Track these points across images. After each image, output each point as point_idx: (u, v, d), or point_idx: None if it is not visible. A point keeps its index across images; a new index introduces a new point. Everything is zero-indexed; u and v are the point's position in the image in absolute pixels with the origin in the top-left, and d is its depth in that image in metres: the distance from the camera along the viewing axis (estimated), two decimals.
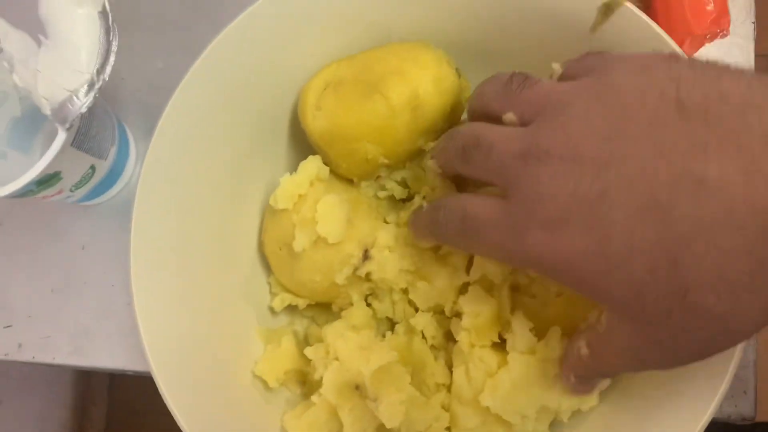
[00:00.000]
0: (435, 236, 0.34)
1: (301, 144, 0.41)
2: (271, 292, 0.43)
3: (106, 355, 0.47)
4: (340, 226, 0.37)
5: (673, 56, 0.26)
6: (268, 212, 0.40)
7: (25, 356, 0.48)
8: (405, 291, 0.39)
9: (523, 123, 0.28)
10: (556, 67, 0.31)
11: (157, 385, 0.35)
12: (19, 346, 0.48)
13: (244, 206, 0.42)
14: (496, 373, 0.34)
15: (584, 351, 0.30)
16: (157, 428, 1.23)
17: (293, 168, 0.39)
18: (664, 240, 0.23)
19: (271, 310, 0.43)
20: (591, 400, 0.35)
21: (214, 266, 0.40)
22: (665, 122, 0.24)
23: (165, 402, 0.35)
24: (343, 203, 0.38)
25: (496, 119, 0.30)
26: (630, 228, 0.24)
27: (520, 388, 0.33)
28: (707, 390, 0.32)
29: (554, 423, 0.36)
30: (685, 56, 0.28)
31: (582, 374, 0.31)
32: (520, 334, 0.34)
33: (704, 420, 0.31)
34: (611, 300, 0.26)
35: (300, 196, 0.38)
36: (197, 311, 0.39)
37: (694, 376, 0.32)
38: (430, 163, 0.36)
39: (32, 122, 0.47)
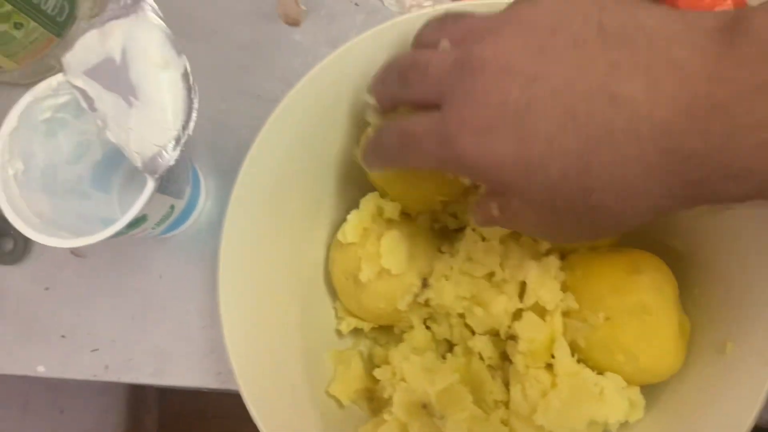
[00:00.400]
0: (381, 159, 0.36)
1: (364, 184, 0.45)
2: (337, 316, 0.47)
3: (184, 376, 0.52)
4: (402, 259, 0.41)
5: None
6: (336, 245, 0.44)
7: (111, 377, 0.52)
8: (461, 315, 0.42)
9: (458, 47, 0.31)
10: None
11: (245, 402, 0.39)
12: (106, 367, 0.52)
13: (312, 241, 0.46)
14: (549, 392, 0.37)
15: (495, 212, 0.32)
16: (209, 430, 1.28)
17: (355, 205, 0.43)
18: (579, 148, 0.26)
19: (338, 332, 0.47)
20: (638, 413, 0.39)
21: (288, 295, 0.44)
22: (587, 43, 0.27)
23: (253, 419, 0.39)
24: (404, 237, 0.41)
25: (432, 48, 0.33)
26: (551, 136, 0.27)
27: (569, 406, 0.37)
28: (748, 398, 0.35)
29: None
30: None
31: (488, 222, 0.34)
32: (560, 359, 0.37)
33: (747, 427, 0.34)
34: (528, 195, 0.29)
35: (365, 229, 0.42)
36: (274, 335, 0.43)
37: (737, 384, 0.36)
38: (366, 97, 0.37)
39: (110, 163, 0.51)
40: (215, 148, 0.53)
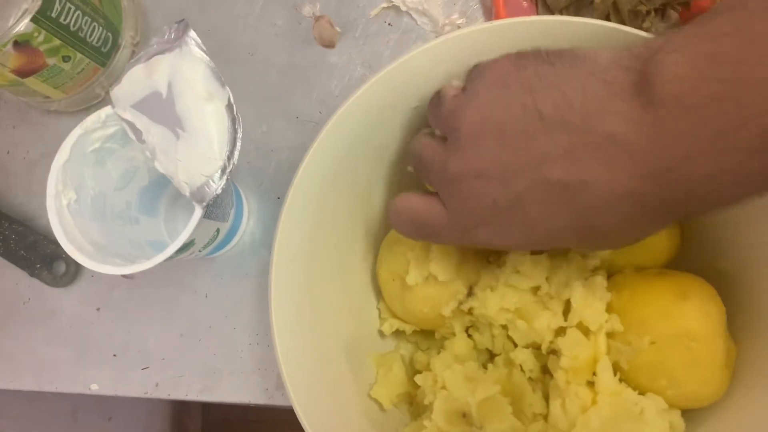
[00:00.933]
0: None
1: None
2: (380, 317, 0.48)
3: (231, 392, 0.53)
4: (450, 265, 0.42)
5: (520, 57, 0.32)
6: (386, 246, 0.46)
7: (162, 394, 0.54)
8: (504, 327, 0.43)
9: (445, 137, 0.35)
10: (456, 84, 0.38)
11: (298, 415, 0.40)
12: (156, 385, 0.54)
13: (358, 245, 0.48)
14: (589, 409, 0.38)
15: None
16: None
17: None
18: (571, 220, 0.31)
19: (381, 333, 0.48)
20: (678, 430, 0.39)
21: (336, 302, 0.46)
22: (535, 134, 0.30)
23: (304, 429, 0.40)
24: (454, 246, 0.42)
25: None
26: (545, 217, 0.31)
27: (608, 424, 0.37)
28: None
29: None
30: (530, 53, 0.33)
31: None
32: (602, 377, 0.38)
33: None
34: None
35: None
36: (322, 342, 0.44)
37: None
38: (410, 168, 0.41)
39: (156, 187, 0.53)
40: (256, 169, 0.55)
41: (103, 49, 0.53)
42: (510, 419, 0.40)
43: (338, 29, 0.54)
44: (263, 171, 0.55)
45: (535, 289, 0.42)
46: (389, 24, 0.55)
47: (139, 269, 0.43)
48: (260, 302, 0.53)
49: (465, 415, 0.41)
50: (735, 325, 0.40)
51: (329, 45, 0.55)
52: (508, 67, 0.32)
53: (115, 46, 0.54)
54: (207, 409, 1.37)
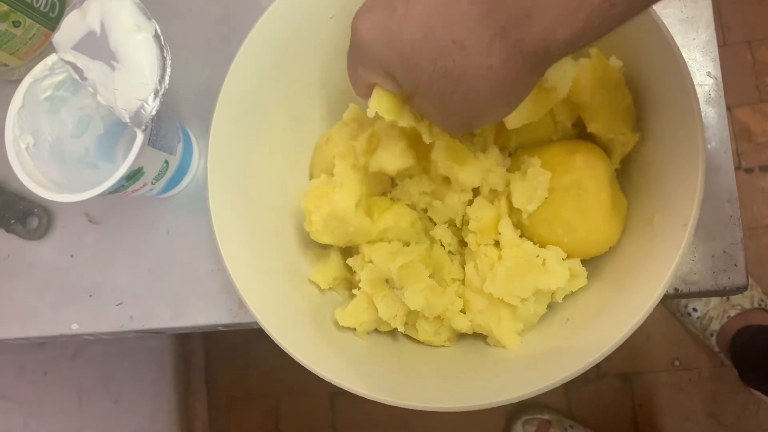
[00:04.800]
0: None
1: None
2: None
3: (199, 316, 0.58)
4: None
5: None
6: (317, 149, 0.51)
7: (136, 326, 0.59)
8: (425, 210, 0.48)
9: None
10: None
11: (254, 316, 0.45)
12: (130, 318, 0.59)
13: (298, 161, 0.52)
14: (495, 264, 0.42)
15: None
16: (255, 409, 1.35)
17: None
18: (424, 13, 0.30)
19: None
20: (580, 282, 0.43)
21: (276, 217, 0.50)
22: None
23: (263, 328, 0.44)
24: None
25: None
26: (408, 4, 0.31)
27: (513, 276, 0.42)
28: (668, 255, 0.39)
29: (551, 305, 0.44)
30: None
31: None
32: (504, 234, 0.42)
33: (666, 278, 0.38)
34: (399, 73, 0.33)
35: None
36: (268, 253, 0.49)
37: (660, 246, 0.40)
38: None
39: (113, 136, 0.57)
40: (203, 111, 0.60)
41: (51, 14, 0.58)
42: (427, 281, 0.45)
43: None
44: (209, 112, 0.59)
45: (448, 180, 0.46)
46: None
47: (94, 194, 0.48)
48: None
49: (388, 281, 0.45)
50: (626, 184, 0.45)
51: None
52: None
53: (62, 12, 0.59)
54: (212, 387, 1.42)
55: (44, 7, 0.57)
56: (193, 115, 0.60)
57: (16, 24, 0.55)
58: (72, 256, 0.60)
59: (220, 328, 0.58)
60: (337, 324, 0.47)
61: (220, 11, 0.60)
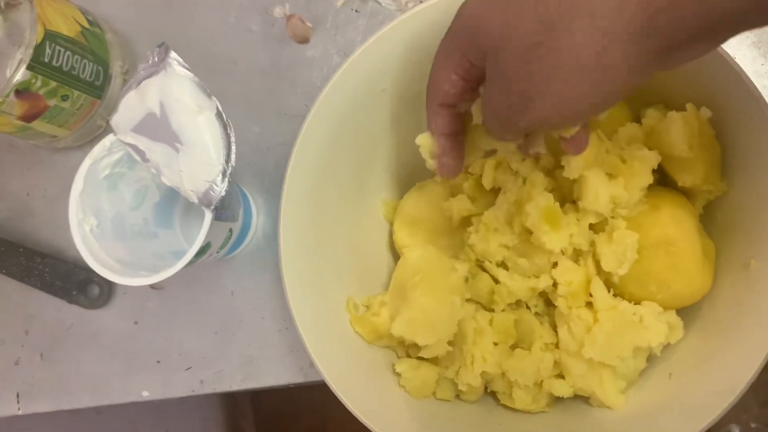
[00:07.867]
0: None
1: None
2: None
3: (270, 376, 0.57)
4: None
5: None
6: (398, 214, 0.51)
7: (207, 390, 0.58)
8: (502, 264, 0.46)
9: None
10: None
11: (327, 381, 0.44)
12: (201, 382, 0.58)
13: (365, 219, 0.52)
14: (592, 327, 0.41)
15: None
16: (301, 426, 1.36)
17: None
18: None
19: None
20: (678, 334, 0.42)
21: (348, 279, 0.51)
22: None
23: (334, 393, 0.44)
24: None
25: None
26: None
27: (612, 337, 0.41)
28: None
29: (650, 358, 0.44)
30: None
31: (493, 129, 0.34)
32: (597, 296, 0.41)
33: None
34: (493, 50, 0.30)
35: None
36: (340, 315, 0.49)
37: (763, 293, 0.39)
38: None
39: (168, 201, 0.57)
40: (256, 168, 0.59)
41: (96, 82, 0.57)
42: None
43: (309, 24, 0.58)
44: (264, 169, 0.59)
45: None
46: (356, 11, 0.58)
47: (164, 276, 0.47)
48: (283, 290, 0.57)
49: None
50: (711, 226, 0.44)
51: (304, 41, 0.58)
52: None
53: (107, 78, 0.58)
54: (257, 405, 1.43)
55: (90, 77, 0.56)
56: (248, 173, 0.59)
57: (65, 98, 0.54)
58: (136, 322, 0.60)
59: (293, 387, 0.58)
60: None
61: (265, 62, 0.59)
